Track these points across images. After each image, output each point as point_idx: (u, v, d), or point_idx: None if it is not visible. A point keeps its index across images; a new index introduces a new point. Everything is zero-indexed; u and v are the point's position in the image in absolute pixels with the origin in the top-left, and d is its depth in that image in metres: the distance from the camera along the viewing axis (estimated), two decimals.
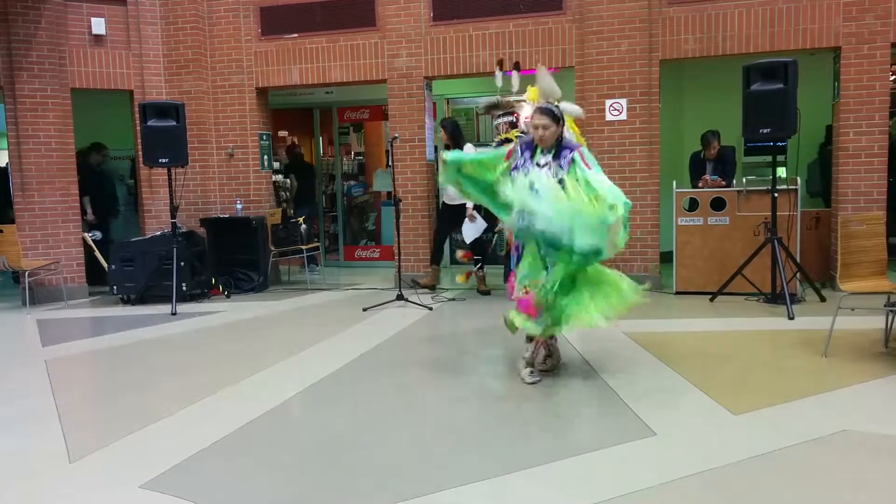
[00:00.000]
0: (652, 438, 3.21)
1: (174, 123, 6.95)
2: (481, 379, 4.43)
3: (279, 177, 10.13)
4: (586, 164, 3.81)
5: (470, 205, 6.75)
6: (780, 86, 5.80)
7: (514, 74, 6.66)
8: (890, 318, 4.54)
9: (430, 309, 6.39)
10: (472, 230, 6.88)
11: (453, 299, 6.94)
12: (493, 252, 8.92)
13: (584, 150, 3.99)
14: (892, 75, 7.52)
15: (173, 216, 7.04)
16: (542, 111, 3.95)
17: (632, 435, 3.24)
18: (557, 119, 3.93)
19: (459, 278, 6.93)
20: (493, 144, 6.65)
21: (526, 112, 5.33)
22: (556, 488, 2.76)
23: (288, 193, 9.88)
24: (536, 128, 3.94)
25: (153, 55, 8.06)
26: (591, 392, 3.93)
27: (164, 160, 6.93)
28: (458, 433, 3.43)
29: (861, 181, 6.63)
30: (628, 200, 3.66)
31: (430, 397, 4.02)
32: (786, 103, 5.80)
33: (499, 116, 6.68)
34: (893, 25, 6.45)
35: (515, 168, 4.02)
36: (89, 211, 8.50)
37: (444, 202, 7.32)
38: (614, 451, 3.08)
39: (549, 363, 4.28)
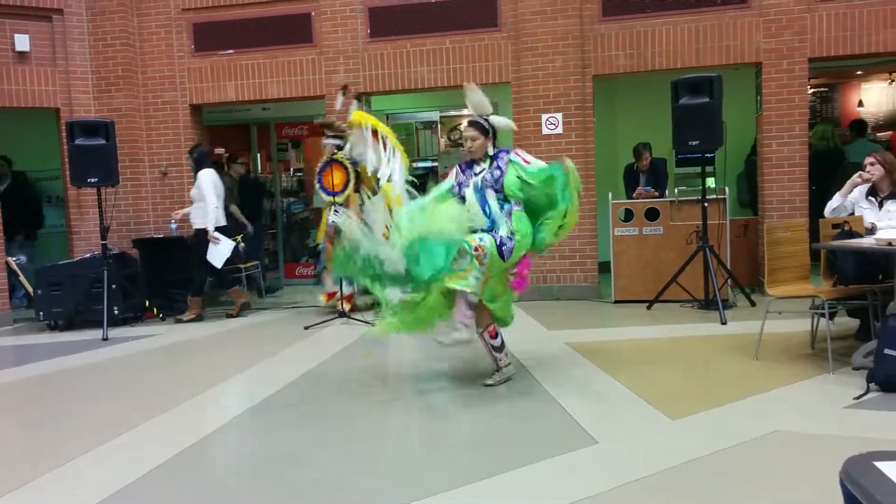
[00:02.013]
0: (594, 447, 3.25)
1: (104, 142, 6.73)
2: (425, 394, 4.41)
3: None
4: (524, 160, 4.11)
5: (211, 227, 6.69)
6: (707, 100, 6.04)
7: (339, 96, 6.89)
8: (815, 320, 4.74)
9: (373, 325, 6.32)
10: (218, 253, 6.74)
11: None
12: None
13: (521, 150, 4.26)
14: (809, 89, 7.92)
15: (104, 237, 6.80)
16: (471, 124, 4.21)
17: (574, 444, 3.28)
18: (486, 131, 4.17)
19: (323, 297, 6.94)
20: (319, 166, 6.85)
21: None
22: (502, 501, 2.76)
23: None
24: (466, 140, 4.20)
25: (81, 72, 7.81)
26: (534, 402, 3.96)
27: (93, 179, 6.71)
28: (403, 449, 3.40)
29: (784, 190, 6.93)
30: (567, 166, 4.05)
31: (373, 414, 3.98)
32: (712, 116, 6.03)
33: (329, 137, 6.88)
34: (810, 42, 6.79)
35: (459, 185, 4.24)
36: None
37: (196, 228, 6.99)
38: (558, 461, 3.10)
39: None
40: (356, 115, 6.65)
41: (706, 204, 6.31)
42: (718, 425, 3.45)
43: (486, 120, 4.20)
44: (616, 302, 6.89)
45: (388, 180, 6.18)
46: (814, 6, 6.77)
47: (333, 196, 6.68)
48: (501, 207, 4.10)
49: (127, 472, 3.18)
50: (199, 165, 6.91)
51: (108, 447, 3.56)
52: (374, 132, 6.54)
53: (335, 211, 6.75)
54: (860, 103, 9.97)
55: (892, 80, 9.82)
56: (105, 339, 6.32)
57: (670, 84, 6.25)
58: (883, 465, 1.16)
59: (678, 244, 6.71)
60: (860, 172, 4.79)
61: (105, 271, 6.66)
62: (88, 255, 7.37)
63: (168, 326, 6.90)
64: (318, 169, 6.88)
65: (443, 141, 9.87)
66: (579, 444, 3.27)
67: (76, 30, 7.76)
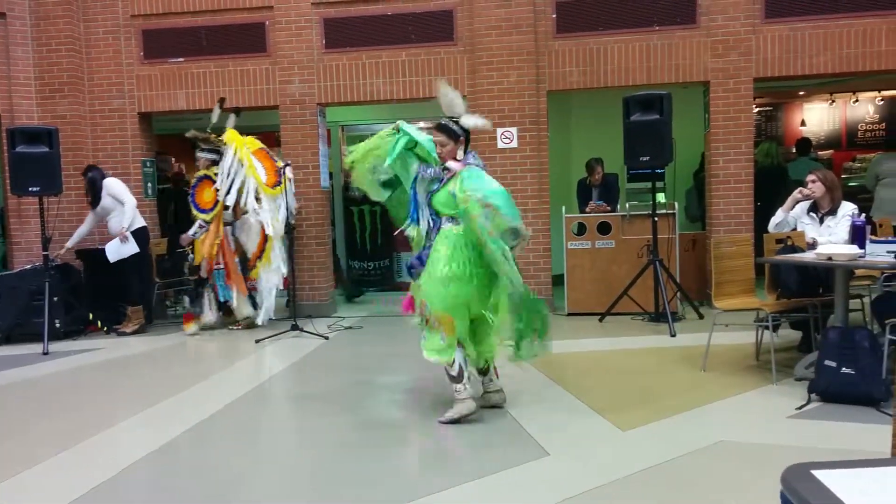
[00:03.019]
0: (546, 458, 3.26)
1: (46, 150, 6.52)
2: (378, 408, 4.36)
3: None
4: (454, 186, 3.76)
5: (126, 223, 6.66)
6: (657, 117, 6.17)
7: (216, 110, 6.97)
8: (760, 332, 4.87)
9: (327, 338, 6.26)
10: (116, 250, 6.69)
11: (350, 327, 6.84)
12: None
13: (472, 169, 3.78)
14: (755, 107, 8.17)
15: (45, 248, 6.58)
16: (439, 128, 3.87)
17: (527, 456, 3.28)
18: (456, 135, 3.83)
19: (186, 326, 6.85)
20: (194, 180, 6.89)
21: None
22: None
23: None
24: (436, 144, 3.89)
25: (23, 78, 7.56)
26: (485, 414, 3.95)
27: (34, 188, 6.49)
28: (355, 464, 3.35)
29: (731, 205, 7.11)
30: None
31: (325, 429, 3.91)
32: (662, 133, 6.17)
33: (204, 150, 6.94)
34: (755, 62, 7.01)
35: (416, 178, 4.03)
36: None
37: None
38: (510, 474, 3.10)
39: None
40: (229, 133, 6.76)
41: (656, 218, 6.44)
42: (667, 436, 3.50)
43: (456, 122, 3.86)
44: (569, 314, 6.96)
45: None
46: (759, 28, 7.01)
47: (202, 213, 6.71)
48: (431, 223, 3.89)
49: (65, 492, 3.05)
50: (93, 185, 6.81)
51: (45, 466, 3.42)
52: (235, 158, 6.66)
53: (200, 226, 6.75)
54: (803, 122, 10.34)
55: (833, 101, 10.23)
56: (45, 353, 6.10)
57: (622, 101, 6.37)
58: (820, 474, 1.18)
59: (629, 258, 6.82)
60: (801, 188, 4.94)
61: (46, 283, 6.45)
62: (29, 266, 7.10)
63: (112, 340, 6.70)
64: (192, 183, 6.91)
65: None
66: (531, 456, 3.28)
67: (19, 34, 7.52)
